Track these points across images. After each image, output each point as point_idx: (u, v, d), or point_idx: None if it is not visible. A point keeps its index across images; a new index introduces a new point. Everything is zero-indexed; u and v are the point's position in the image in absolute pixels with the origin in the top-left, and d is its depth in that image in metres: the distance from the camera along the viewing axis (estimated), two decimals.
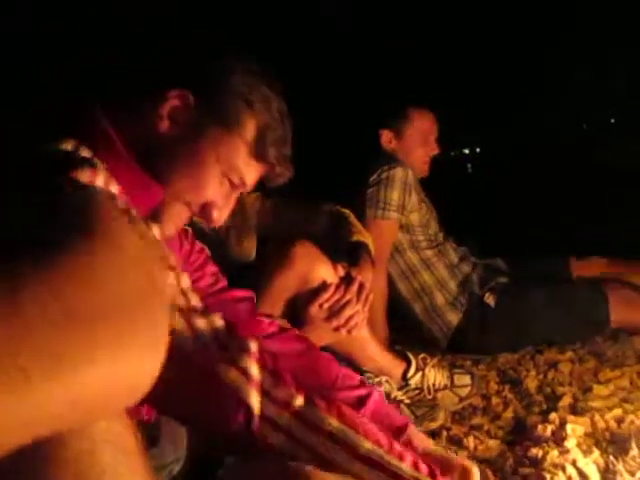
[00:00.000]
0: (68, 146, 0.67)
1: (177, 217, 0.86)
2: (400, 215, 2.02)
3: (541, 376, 1.79)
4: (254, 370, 0.66)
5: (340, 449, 0.69)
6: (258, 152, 0.87)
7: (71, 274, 0.34)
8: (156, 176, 0.81)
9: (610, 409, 1.45)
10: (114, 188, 0.66)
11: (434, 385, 1.59)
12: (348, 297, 1.38)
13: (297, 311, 1.39)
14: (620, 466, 1.19)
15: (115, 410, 0.39)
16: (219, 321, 0.68)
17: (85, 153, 0.69)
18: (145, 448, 0.46)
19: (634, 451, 1.23)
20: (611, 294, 2.08)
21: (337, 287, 1.39)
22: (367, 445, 0.70)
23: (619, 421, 1.39)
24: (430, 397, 1.57)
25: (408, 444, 0.83)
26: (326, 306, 1.37)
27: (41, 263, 0.34)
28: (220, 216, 0.89)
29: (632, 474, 1.16)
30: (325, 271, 1.40)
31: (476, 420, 1.54)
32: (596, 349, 1.98)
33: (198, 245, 1.08)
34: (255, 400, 0.65)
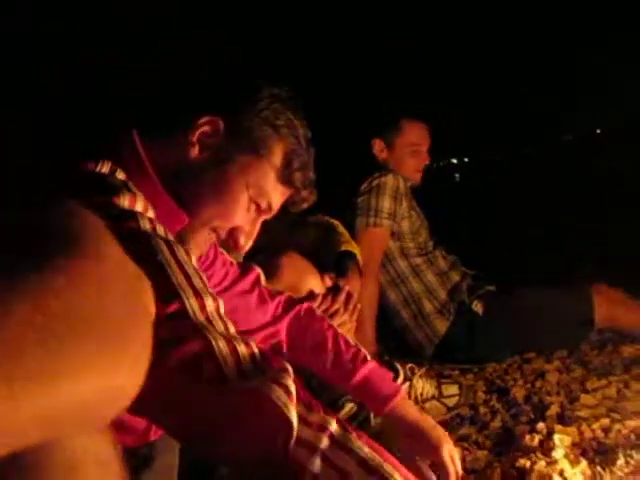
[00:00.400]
0: (104, 169, 0.69)
1: (203, 243, 0.87)
2: (392, 223, 2.03)
3: (529, 385, 1.79)
4: (293, 389, 0.65)
5: (373, 477, 0.68)
6: (285, 177, 0.89)
7: (58, 291, 0.35)
8: (185, 202, 0.83)
9: (597, 418, 1.45)
10: (151, 213, 0.68)
11: (422, 395, 1.58)
12: (335, 307, 1.38)
13: None
14: (607, 476, 1.19)
15: (95, 423, 0.39)
16: (255, 347, 0.67)
17: (121, 176, 0.71)
18: (130, 467, 0.45)
19: (621, 460, 1.23)
20: (596, 297, 2.10)
21: (324, 297, 1.38)
22: (398, 478, 0.70)
23: (606, 431, 1.39)
24: (418, 407, 1.56)
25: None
26: None
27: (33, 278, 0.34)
28: (247, 242, 0.91)
29: None
30: (313, 282, 1.40)
31: (464, 430, 1.54)
32: (583, 358, 1.98)
33: (227, 263, 1.12)
34: (295, 418, 0.64)
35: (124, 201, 0.65)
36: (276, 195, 0.90)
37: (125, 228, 0.62)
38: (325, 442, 0.67)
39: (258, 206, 0.89)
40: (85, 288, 0.37)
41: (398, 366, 1.60)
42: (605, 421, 1.43)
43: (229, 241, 0.89)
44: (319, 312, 1.23)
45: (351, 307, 1.40)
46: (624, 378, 1.74)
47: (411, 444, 1.07)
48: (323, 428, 0.68)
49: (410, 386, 1.57)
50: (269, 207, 0.90)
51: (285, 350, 1.14)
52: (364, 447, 0.70)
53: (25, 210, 0.47)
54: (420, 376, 1.61)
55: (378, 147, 2.20)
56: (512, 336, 2.05)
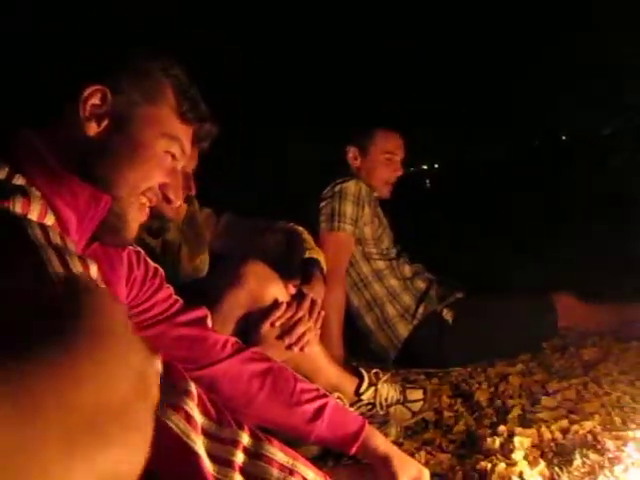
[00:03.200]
0: (1, 175, 0.65)
1: (138, 214, 0.86)
2: (354, 228, 2.04)
3: (492, 389, 1.82)
4: (196, 414, 0.65)
5: (293, 477, 0.70)
6: (184, 115, 0.89)
7: (80, 382, 0.34)
8: (103, 179, 0.80)
9: (557, 420, 1.49)
10: (50, 219, 0.64)
11: (386, 400, 1.59)
12: (300, 314, 1.38)
13: (248, 330, 1.37)
14: (564, 477, 1.22)
15: None
16: (158, 364, 0.66)
17: (19, 181, 0.67)
18: None
19: (578, 461, 1.26)
20: (560, 304, 2.16)
21: (289, 305, 1.39)
22: (312, 475, 0.75)
23: (564, 432, 1.42)
24: (383, 412, 1.58)
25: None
26: (278, 324, 1.37)
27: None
28: (177, 195, 0.91)
29: None
30: (277, 289, 1.39)
31: (428, 434, 1.55)
32: (545, 361, 2.02)
33: (152, 268, 1.05)
34: (197, 443, 0.64)
35: (16, 207, 0.61)
36: (184, 136, 0.89)
37: (16, 237, 0.57)
38: (240, 457, 0.68)
39: (172, 156, 0.88)
40: (102, 380, 0.36)
41: (363, 372, 1.61)
42: (564, 423, 1.46)
43: (162, 201, 0.89)
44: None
45: (315, 314, 1.41)
46: (584, 380, 1.78)
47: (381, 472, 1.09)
48: (236, 442, 0.69)
49: (375, 391, 1.58)
50: (182, 152, 0.89)
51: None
52: (278, 452, 0.72)
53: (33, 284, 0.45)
54: (385, 381, 1.62)
55: (352, 155, 2.22)
56: (480, 343, 2.08)
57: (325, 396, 1.11)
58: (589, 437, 1.36)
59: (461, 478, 1.28)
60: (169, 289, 1.07)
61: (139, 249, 1.05)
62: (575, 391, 1.71)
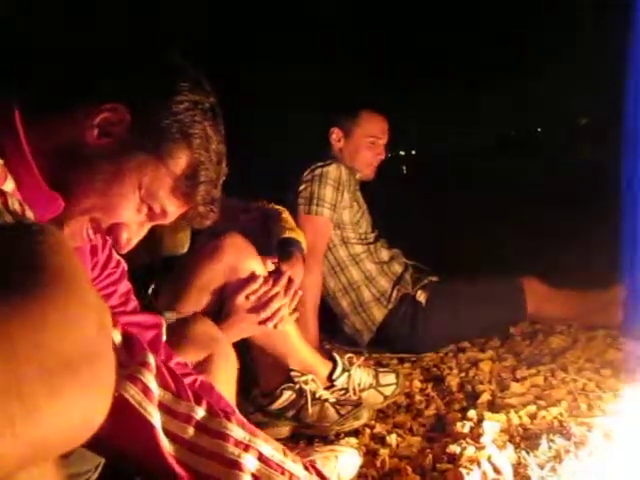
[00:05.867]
0: None
1: (80, 233, 0.80)
2: (332, 213, 2.04)
3: (463, 374, 1.85)
4: (154, 386, 0.64)
5: (247, 454, 0.71)
6: (185, 189, 0.83)
7: (50, 327, 0.36)
8: (67, 185, 0.76)
9: (525, 406, 1.52)
10: (9, 185, 0.62)
11: (359, 385, 1.61)
12: (276, 290, 1.38)
13: (224, 302, 1.38)
14: (531, 460, 1.25)
15: (72, 447, 0.39)
16: (117, 336, 0.65)
17: None
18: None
19: (544, 446, 1.29)
20: (528, 289, 2.20)
21: (266, 280, 1.38)
22: (269, 450, 0.74)
23: (532, 417, 1.46)
24: (356, 397, 1.59)
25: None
26: (253, 298, 1.37)
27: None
28: (129, 241, 0.84)
29: (541, 467, 1.22)
30: (254, 263, 1.39)
31: (399, 418, 1.58)
32: (515, 348, 2.06)
33: (115, 258, 1.01)
34: (154, 416, 0.63)
35: None
36: (171, 204, 0.84)
37: None
38: (191, 432, 0.68)
39: (151, 209, 0.83)
40: (67, 320, 0.38)
41: (337, 357, 1.62)
42: (532, 408, 1.50)
43: (110, 235, 0.83)
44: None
45: (291, 292, 1.40)
46: (551, 367, 1.82)
47: None
48: (189, 418, 0.69)
49: (348, 377, 1.59)
50: (163, 213, 0.84)
51: None
52: (235, 427, 0.72)
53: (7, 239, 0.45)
54: (358, 366, 1.64)
55: (336, 136, 2.20)
56: (451, 326, 2.11)
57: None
58: (556, 423, 1.40)
59: (431, 461, 1.30)
60: (129, 286, 1.04)
61: (107, 237, 1.02)
62: (543, 378, 1.74)
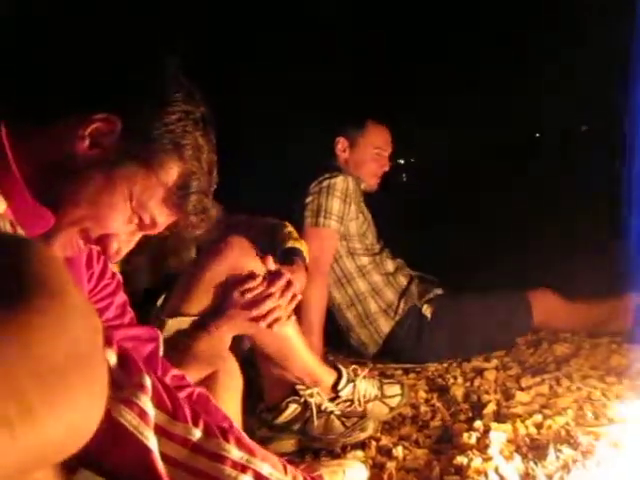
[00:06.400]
0: None
1: (70, 244, 0.80)
2: (339, 225, 2.04)
3: (468, 384, 1.85)
4: (150, 408, 0.64)
5: (245, 475, 0.70)
6: (176, 200, 0.83)
7: (37, 331, 0.36)
8: (57, 196, 0.76)
9: (531, 415, 1.52)
10: (1, 206, 0.63)
11: (365, 397, 1.60)
12: (271, 290, 1.39)
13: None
14: (539, 470, 1.24)
15: (67, 455, 0.39)
16: (112, 357, 0.65)
17: None
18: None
19: (552, 456, 1.29)
20: (535, 301, 2.20)
21: (264, 279, 1.41)
22: (267, 469, 0.74)
23: (538, 427, 1.45)
24: (361, 409, 1.58)
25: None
26: (248, 295, 1.38)
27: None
28: (119, 252, 0.84)
29: (549, 477, 1.22)
30: (255, 263, 1.42)
31: (405, 430, 1.57)
32: (519, 357, 2.06)
33: (110, 270, 1.01)
34: (151, 440, 0.63)
35: None
36: (161, 214, 0.84)
37: None
38: (188, 455, 0.68)
39: (141, 219, 0.83)
40: (56, 328, 0.38)
41: (342, 368, 1.62)
42: (538, 418, 1.49)
43: (99, 246, 0.83)
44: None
45: (289, 295, 1.41)
46: (556, 375, 1.82)
47: None
48: (185, 440, 0.69)
49: (353, 387, 1.59)
50: (153, 223, 0.84)
51: None
52: (232, 448, 0.71)
53: None
54: (363, 377, 1.63)
55: (341, 146, 2.19)
56: (456, 340, 2.10)
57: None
58: (562, 432, 1.39)
59: (438, 473, 1.29)
60: (124, 297, 1.04)
61: (99, 248, 1.02)
62: (548, 386, 1.74)
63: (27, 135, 0.75)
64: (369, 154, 2.20)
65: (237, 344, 1.60)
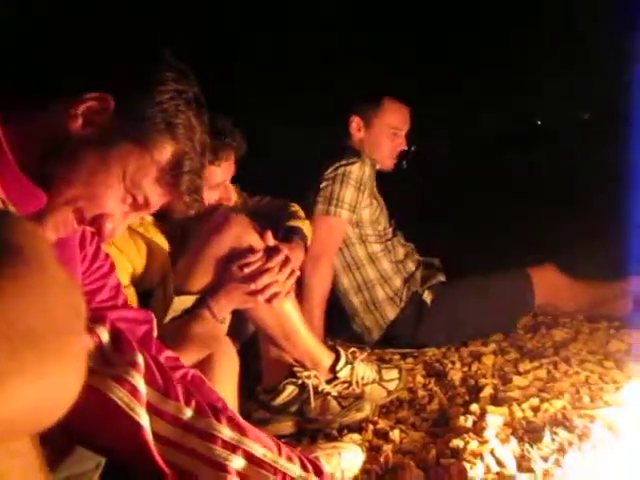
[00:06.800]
0: None
1: (64, 224, 0.79)
2: (351, 214, 2.00)
3: (465, 368, 1.85)
4: (142, 386, 0.64)
5: (236, 455, 0.70)
6: (169, 179, 0.82)
7: (8, 299, 0.36)
8: (50, 176, 0.76)
9: (528, 399, 1.52)
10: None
11: (363, 379, 1.60)
12: (269, 265, 1.41)
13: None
14: (534, 453, 1.25)
15: (41, 427, 0.39)
16: (105, 334, 0.65)
17: None
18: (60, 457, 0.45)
19: (548, 439, 1.29)
20: (538, 279, 2.19)
21: (263, 254, 1.43)
22: (260, 449, 0.74)
23: (535, 410, 1.46)
24: (359, 391, 1.59)
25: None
26: (246, 269, 1.40)
27: None
28: (113, 231, 0.83)
29: (545, 460, 1.22)
30: (255, 239, 1.44)
31: (402, 413, 1.57)
32: (517, 341, 2.06)
33: (103, 251, 1.01)
34: (143, 417, 0.63)
35: None
36: (154, 194, 0.83)
37: None
38: (179, 433, 0.68)
39: (135, 199, 0.82)
40: (30, 295, 0.38)
41: (340, 350, 1.62)
42: (535, 401, 1.50)
43: (93, 226, 0.82)
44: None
45: (287, 271, 1.42)
46: (554, 360, 1.82)
47: None
48: (176, 419, 0.69)
49: (351, 369, 1.59)
50: (146, 203, 0.83)
51: None
52: (223, 428, 0.71)
53: None
54: (361, 360, 1.63)
55: (356, 125, 2.13)
56: (455, 326, 2.09)
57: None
58: (559, 415, 1.40)
59: (434, 456, 1.30)
60: (118, 279, 1.04)
61: (93, 230, 1.02)
62: (546, 371, 1.75)
63: (20, 116, 0.74)
64: (385, 133, 2.13)
65: (240, 328, 1.61)
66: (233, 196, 1.59)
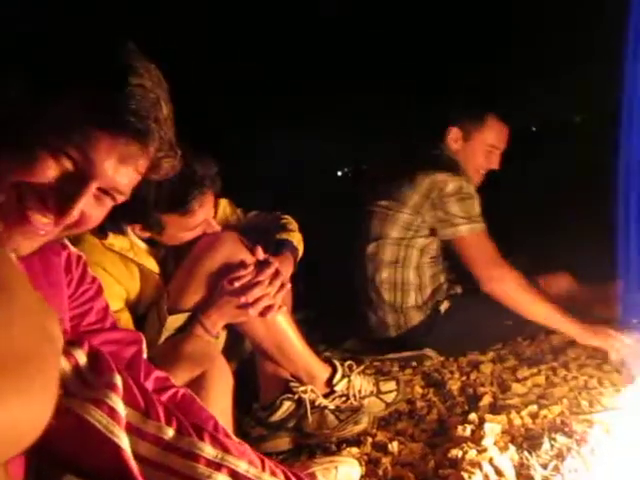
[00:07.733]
0: None
1: (17, 224, 0.70)
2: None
3: (464, 377, 1.84)
4: (120, 408, 0.64)
5: (220, 473, 0.70)
6: (98, 119, 0.69)
7: None
8: None
9: (526, 406, 1.51)
10: None
11: (360, 392, 1.59)
12: (260, 278, 1.43)
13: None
14: (533, 460, 1.24)
15: (6, 456, 0.38)
16: (82, 357, 0.65)
17: None
18: None
19: (546, 445, 1.28)
20: (553, 286, 2.21)
21: (253, 268, 1.44)
22: (244, 466, 0.73)
23: (533, 417, 1.45)
24: (356, 404, 1.58)
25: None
26: (237, 283, 1.41)
27: None
28: (56, 208, 0.70)
29: (544, 467, 1.21)
30: (246, 254, 1.46)
31: (401, 425, 1.56)
32: (516, 348, 2.05)
33: (90, 275, 0.98)
34: (122, 438, 0.63)
35: None
36: (95, 144, 0.69)
37: None
38: (161, 453, 0.67)
39: (72, 160, 0.69)
40: (7, 325, 0.38)
41: (337, 363, 1.62)
42: (533, 408, 1.49)
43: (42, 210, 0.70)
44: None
45: (277, 283, 1.44)
46: (553, 365, 1.81)
47: None
48: (157, 439, 0.68)
49: (348, 382, 1.58)
50: (88, 161, 0.70)
51: None
52: (205, 446, 0.71)
53: None
54: (358, 373, 1.63)
55: (454, 136, 2.11)
56: (463, 338, 2.07)
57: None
58: (557, 421, 1.39)
59: (433, 466, 1.29)
60: (106, 302, 1.02)
61: (81, 254, 1.00)
62: (545, 376, 1.74)
63: None
64: (482, 149, 2.12)
65: (237, 347, 1.62)
66: (217, 227, 1.55)
